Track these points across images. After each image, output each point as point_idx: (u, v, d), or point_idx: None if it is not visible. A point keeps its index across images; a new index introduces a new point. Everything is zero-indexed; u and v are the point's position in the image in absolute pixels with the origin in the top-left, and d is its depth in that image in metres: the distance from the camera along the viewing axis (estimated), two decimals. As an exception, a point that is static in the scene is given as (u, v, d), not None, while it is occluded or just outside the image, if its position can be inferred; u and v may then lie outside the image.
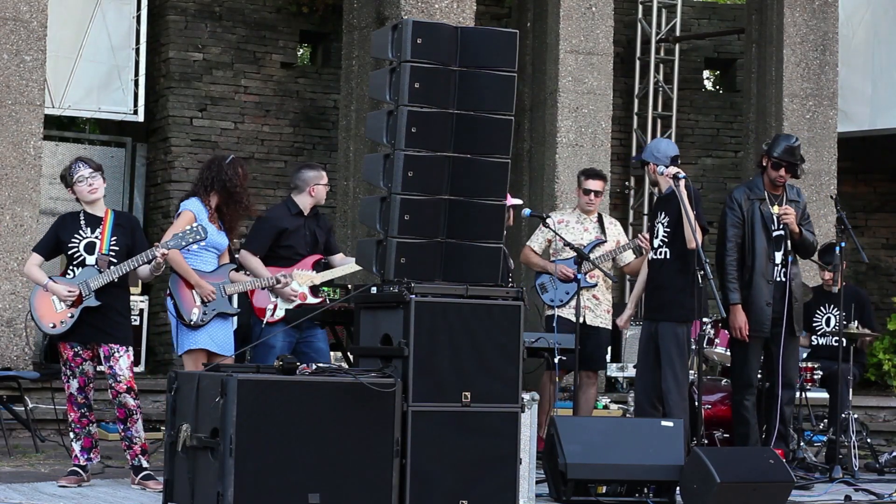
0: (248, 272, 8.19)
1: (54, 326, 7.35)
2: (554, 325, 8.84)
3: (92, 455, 7.42)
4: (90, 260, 7.38)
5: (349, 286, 8.74)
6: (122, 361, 7.35)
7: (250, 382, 6.01)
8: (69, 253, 7.43)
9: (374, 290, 6.62)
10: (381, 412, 6.22)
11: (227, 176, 7.96)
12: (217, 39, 12.97)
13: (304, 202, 8.38)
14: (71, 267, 7.41)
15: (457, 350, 6.43)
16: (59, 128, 13.27)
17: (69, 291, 7.29)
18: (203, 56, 12.90)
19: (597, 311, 9.19)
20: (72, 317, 7.31)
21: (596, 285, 9.17)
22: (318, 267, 8.47)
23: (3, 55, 9.79)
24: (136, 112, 12.37)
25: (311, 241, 8.37)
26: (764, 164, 8.55)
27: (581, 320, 8.71)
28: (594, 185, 9.30)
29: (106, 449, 8.02)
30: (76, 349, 7.38)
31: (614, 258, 9.34)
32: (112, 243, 7.42)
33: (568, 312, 9.03)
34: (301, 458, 6.06)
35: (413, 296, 6.34)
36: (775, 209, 8.48)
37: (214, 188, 7.97)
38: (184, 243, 7.48)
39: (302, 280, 8.18)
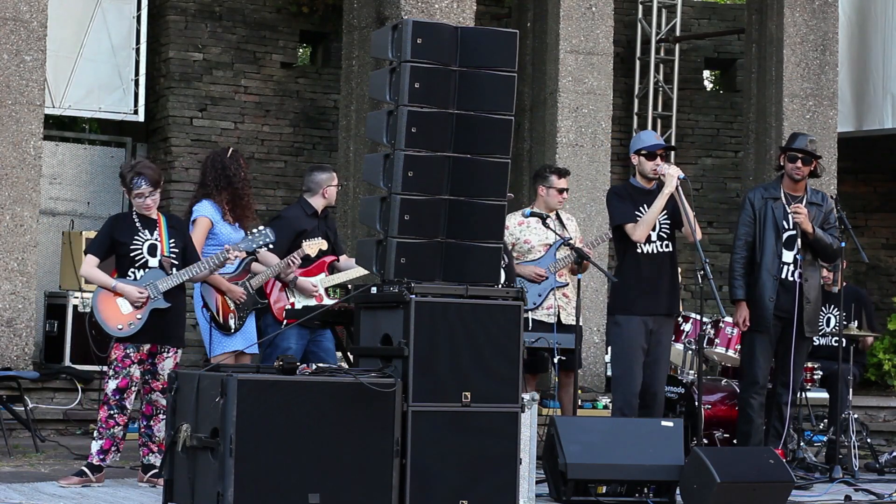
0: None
1: (122, 328, 7.29)
2: (529, 328, 8.70)
3: (107, 458, 7.35)
4: (153, 262, 7.35)
5: (349, 286, 8.76)
6: (168, 362, 7.38)
7: (250, 382, 6.01)
8: (131, 255, 7.35)
9: (374, 290, 6.62)
10: (381, 412, 6.21)
11: (232, 171, 8.03)
12: (217, 39, 12.96)
13: (317, 203, 8.45)
14: (132, 269, 7.34)
15: (457, 350, 6.42)
16: (60, 128, 13.27)
17: (140, 293, 7.26)
18: (203, 56, 12.90)
19: (569, 309, 9.05)
20: (140, 318, 7.28)
21: (567, 284, 9.05)
22: (332, 268, 8.50)
23: (3, 55, 9.78)
24: (136, 112, 12.37)
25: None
26: (781, 161, 8.59)
27: (555, 320, 8.71)
28: (565, 183, 9.13)
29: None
30: (128, 350, 7.32)
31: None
32: (171, 245, 7.42)
33: (542, 314, 8.86)
34: (301, 458, 6.05)
35: (413, 296, 6.33)
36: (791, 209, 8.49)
37: (222, 185, 8.02)
38: (255, 246, 7.57)
39: (311, 248, 8.17)
